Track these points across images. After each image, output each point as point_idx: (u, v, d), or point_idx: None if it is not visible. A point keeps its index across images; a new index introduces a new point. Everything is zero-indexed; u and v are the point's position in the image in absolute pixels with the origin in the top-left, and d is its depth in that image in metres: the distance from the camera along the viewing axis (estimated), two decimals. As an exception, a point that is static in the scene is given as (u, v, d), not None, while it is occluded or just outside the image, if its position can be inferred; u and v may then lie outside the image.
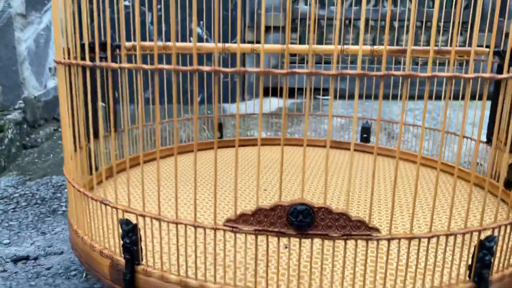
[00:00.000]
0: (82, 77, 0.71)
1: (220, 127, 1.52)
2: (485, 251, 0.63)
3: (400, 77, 0.57)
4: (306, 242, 0.79)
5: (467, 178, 1.21)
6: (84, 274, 0.98)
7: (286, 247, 0.78)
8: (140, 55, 0.62)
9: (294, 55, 2.23)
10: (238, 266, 0.71)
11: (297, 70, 0.57)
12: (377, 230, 0.58)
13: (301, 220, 0.57)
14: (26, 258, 1.05)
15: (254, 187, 1.11)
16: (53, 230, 1.21)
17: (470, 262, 0.65)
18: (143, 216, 0.65)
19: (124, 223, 0.66)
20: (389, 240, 0.59)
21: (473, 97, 2.35)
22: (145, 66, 0.60)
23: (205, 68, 0.58)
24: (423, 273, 0.62)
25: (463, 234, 0.61)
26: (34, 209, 1.35)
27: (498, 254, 0.68)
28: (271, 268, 0.70)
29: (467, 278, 0.65)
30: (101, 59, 1.06)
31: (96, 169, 1.11)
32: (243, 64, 2.20)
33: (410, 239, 0.59)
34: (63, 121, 0.86)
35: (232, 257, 0.71)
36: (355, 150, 1.51)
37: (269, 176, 1.21)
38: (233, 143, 1.54)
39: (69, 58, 0.75)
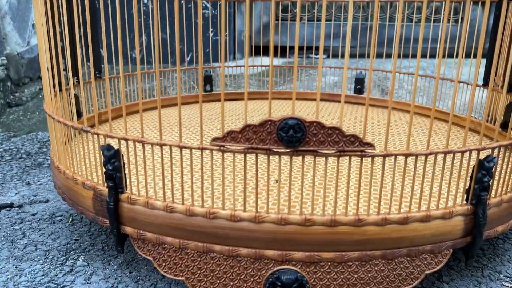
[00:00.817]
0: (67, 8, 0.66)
1: (210, 79, 1.47)
2: (484, 171, 0.60)
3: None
4: (297, 161, 0.76)
5: (462, 124, 1.18)
6: (70, 219, 0.95)
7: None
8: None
9: (286, 11, 2.16)
10: (226, 188, 0.68)
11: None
12: (371, 146, 0.55)
13: (292, 135, 0.53)
14: (10, 205, 1.02)
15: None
16: (38, 181, 1.18)
17: (468, 186, 0.63)
18: (126, 140, 0.61)
19: (106, 148, 0.62)
20: (384, 156, 0.56)
21: (468, 55, 2.31)
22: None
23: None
24: (420, 195, 0.59)
25: (462, 152, 0.59)
26: (19, 162, 1.31)
27: (496, 178, 0.65)
28: (260, 188, 0.67)
29: (465, 202, 0.63)
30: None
31: (80, 115, 1.07)
32: (234, 21, 2.13)
33: (406, 155, 0.56)
34: (41, 56, 0.82)
35: (220, 179, 0.68)
36: (349, 102, 1.47)
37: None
38: (224, 96, 1.49)
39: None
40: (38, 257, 0.80)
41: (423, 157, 0.59)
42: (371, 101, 1.43)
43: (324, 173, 0.56)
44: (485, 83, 1.15)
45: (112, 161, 0.62)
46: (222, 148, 0.56)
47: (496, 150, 0.61)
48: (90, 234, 0.89)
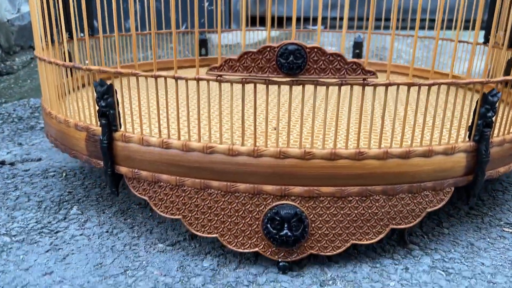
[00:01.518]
0: None
1: (205, 43, 1.44)
2: (487, 106, 0.59)
3: None
4: (298, 94, 0.74)
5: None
6: (64, 174, 0.93)
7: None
8: None
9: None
10: (224, 124, 0.66)
11: None
12: (373, 74, 0.53)
13: (292, 61, 0.52)
14: (2, 162, 1.00)
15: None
16: (30, 142, 1.15)
17: (471, 122, 0.61)
18: (119, 74, 0.59)
19: (99, 84, 0.60)
20: (387, 86, 0.54)
21: (466, 28, 2.29)
22: None
23: None
24: (422, 129, 0.58)
25: (466, 84, 0.57)
26: (11, 126, 1.29)
27: (500, 116, 0.64)
28: (260, 122, 0.65)
29: (467, 139, 0.61)
30: None
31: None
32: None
33: (409, 85, 0.55)
34: (31, 5, 0.79)
35: (217, 113, 0.66)
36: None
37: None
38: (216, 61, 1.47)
39: None
40: (31, 207, 0.78)
41: (426, 88, 0.57)
42: (370, 66, 1.41)
43: (324, 105, 0.54)
44: (486, 41, 1.13)
45: (105, 97, 0.60)
46: (219, 78, 0.54)
47: (500, 85, 0.60)
48: (84, 187, 0.87)
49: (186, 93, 0.56)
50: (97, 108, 0.62)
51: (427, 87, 0.56)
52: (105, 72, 0.60)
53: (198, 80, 0.55)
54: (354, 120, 0.68)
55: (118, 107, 0.62)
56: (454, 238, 0.69)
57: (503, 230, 0.72)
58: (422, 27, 2.20)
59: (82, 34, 1.13)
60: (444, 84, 0.56)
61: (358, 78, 0.53)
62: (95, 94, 0.61)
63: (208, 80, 0.55)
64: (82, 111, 0.67)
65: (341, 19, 2.21)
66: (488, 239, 0.69)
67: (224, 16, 2.13)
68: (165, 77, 0.56)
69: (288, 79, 0.53)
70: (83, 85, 0.97)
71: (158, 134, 0.60)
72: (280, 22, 2.21)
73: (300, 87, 0.56)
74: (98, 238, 0.68)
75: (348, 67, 0.52)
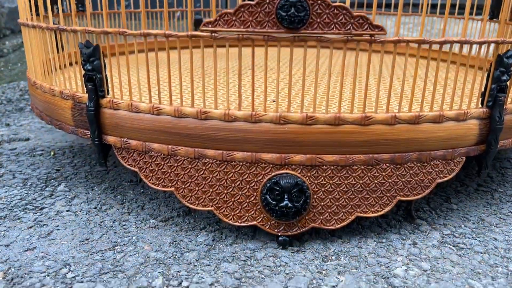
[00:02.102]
0: None
1: (200, 23, 1.39)
2: (502, 69, 0.55)
3: None
4: (299, 53, 0.70)
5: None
6: (52, 153, 0.89)
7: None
8: None
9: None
10: (219, 89, 0.61)
11: None
12: (382, 29, 0.49)
13: (294, 13, 0.47)
14: (-13, 142, 0.95)
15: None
16: (19, 123, 1.11)
17: (484, 88, 0.57)
18: (106, 33, 0.54)
19: (84, 46, 0.56)
20: (395, 42, 0.50)
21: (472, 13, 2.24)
22: None
23: None
24: (433, 93, 0.53)
25: (480, 44, 0.53)
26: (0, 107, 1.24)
27: (514, 82, 0.60)
28: (257, 81, 0.61)
29: (480, 106, 0.57)
30: None
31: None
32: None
33: (420, 42, 0.50)
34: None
35: (211, 73, 0.62)
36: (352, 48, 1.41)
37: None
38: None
39: None
40: (16, 184, 0.74)
41: (437, 47, 0.53)
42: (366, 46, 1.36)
43: (328, 65, 0.50)
44: (492, 16, 1.09)
45: (92, 59, 0.56)
46: (213, 34, 0.50)
47: (516, 46, 0.56)
48: (73, 165, 0.83)
49: (178, 54, 0.52)
50: (83, 72, 0.58)
51: (438, 45, 0.51)
52: (91, 32, 0.56)
53: (191, 37, 0.51)
54: (361, 82, 0.64)
55: (105, 71, 0.57)
56: (463, 214, 0.66)
57: (515, 206, 0.68)
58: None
59: (81, 7, 1.08)
60: (457, 42, 0.52)
61: (365, 33, 0.49)
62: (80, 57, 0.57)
63: (201, 37, 0.51)
64: (68, 79, 0.63)
65: None
66: (500, 215, 0.65)
67: (221, 1, 2.08)
68: (155, 35, 0.52)
69: (289, 34, 0.49)
70: (70, 64, 0.92)
71: (148, 100, 0.56)
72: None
73: (303, 45, 0.52)
74: (86, 214, 0.64)
75: (354, 21, 0.48)
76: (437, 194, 0.71)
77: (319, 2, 0.47)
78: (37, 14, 0.80)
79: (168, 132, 0.55)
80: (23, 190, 0.72)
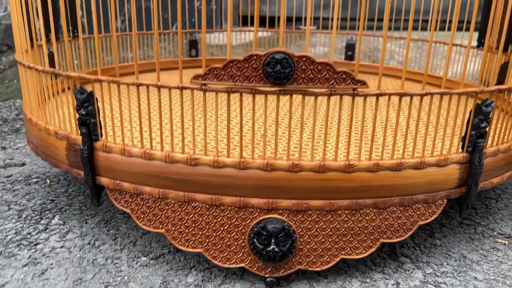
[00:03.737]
0: None
1: (195, 44, 1.42)
2: (481, 116, 0.57)
3: None
4: (285, 103, 0.72)
5: (456, 88, 1.15)
6: (48, 181, 0.90)
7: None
8: None
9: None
10: (208, 134, 0.63)
11: None
12: (364, 83, 0.51)
13: (279, 70, 0.49)
14: (-16, 168, 0.97)
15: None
16: (14, 146, 1.12)
17: (464, 133, 0.59)
18: (100, 81, 0.56)
19: (79, 92, 0.58)
20: (377, 96, 0.52)
21: (459, 29, 2.28)
22: None
23: None
24: (414, 141, 0.56)
25: (459, 94, 0.55)
26: (-5, 128, 1.26)
27: (493, 126, 0.62)
28: (246, 132, 0.63)
29: (460, 150, 0.60)
30: None
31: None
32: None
33: (401, 95, 0.53)
34: (11, 8, 0.76)
35: (202, 122, 0.64)
36: (338, 69, 1.43)
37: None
38: (209, 62, 1.44)
39: None
40: (11, 216, 0.75)
41: (418, 99, 0.55)
42: (363, 68, 1.39)
43: (313, 115, 0.52)
44: (479, 44, 1.11)
45: (86, 105, 0.58)
46: (203, 87, 0.52)
47: (495, 95, 0.58)
48: (68, 195, 0.84)
49: (169, 102, 0.54)
50: (77, 116, 0.59)
51: (419, 96, 0.54)
52: (86, 79, 0.58)
53: (181, 89, 0.53)
54: (344, 130, 0.66)
55: (99, 116, 0.59)
56: (446, 250, 0.68)
57: (496, 241, 0.70)
58: (415, 28, 2.19)
59: (76, 32, 1.10)
60: (437, 94, 0.54)
61: (348, 88, 0.51)
62: (75, 102, 0.59)
63: (192, 89, 0.53)
64: (62, 119, 0.65)
65: (333, 19, 2.19)
66: (481, 251, 0.68)
67: (216, 16, 2.10)
68: (147, 86, 0.54)
69: (275, 88, 0.51)
70: (63, 90, 0.95)
71: (140, 145, 0.58)
72: (272, 22, 2.18)
73: (288, 96, 0.54)
74: (80, 250, 0.66)
75: (337, 76, 0.50)
76: (421, 228, 0.74)
77: (304, 59, 0.49)
78: (32, 46, 0.82)
79: (159, 177, 0.57)
80: (18, 223, 0.73)
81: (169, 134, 0.63)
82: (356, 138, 0.67)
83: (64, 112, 0.65)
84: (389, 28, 2.09)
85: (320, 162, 0.54)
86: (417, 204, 0.58)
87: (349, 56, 1.42)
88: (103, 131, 0.60)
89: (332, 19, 2.24)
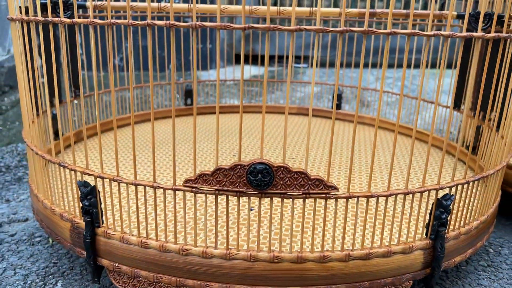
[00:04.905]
0: (43, 35, 0.67)
1: (190, 94, 1.49)
2: (441, 209, 0.64)
3: (361, 34, 0.56)
4: (266, 200, 0.80)
5: (436, 144, 1.23)
6: (51, 241, 0.97)
7: (251, 210, 0.78)
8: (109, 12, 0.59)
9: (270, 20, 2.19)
10: (199, 227, 0.70)
11: (279, 26, 0.55)
12: (335, 188, 0.58)
13: (260, 179, 0.56)
14: (-10, 225, 1.03)
15: (216, 153, 1.11)
16: (18, 198, 1.19)
17: (427, 220, 0.66)
18: (102, 178, 0.63)
19: (83, 185, 0.65)
20: (347, 198, 0.59)
21: (449, 66, 2.37)
22: (118, 21, 0.57)
23: (183, 24, 0.56)
24: (381, 231, 0.63)
25: (421, 192, 0.62)
26: (-1, 177, 1.32)
27: (455, 212, 0.69)
28: (232, 227, 0.70)
29: (424, 236, 0.67)
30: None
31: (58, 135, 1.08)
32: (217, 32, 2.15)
33: (368, 197, 0.60)
34: (20, 84, 0.83)
35: (192, 217, 0.71)
36: (326, 117, 1.51)
37: (234, 141, 1.20)
38: (204, 110, 1.52)
39: (27, 15, 0.71)
40: (17, 282, 0.82)
41: (384, 198, 0.63)
42: (349, 117, 1.47)
43: (291, 214, 0.59)
44: (456, 106, 1.19)
45: (89, 197, 0.65)
46: (194, 189, 0.59)
47: (454, 189, 0.65)
48: (69, 257, 0.91)
49: (164, 198, 0.61)
50: (81, 205, 0.66)
51: (384, 197, 0.61)
52: (89, 174, 0.64)
53: (174, 190, 0.60)
54: (319, 225, 0.73)
55: (101, 206, 0.66)
56: (416, 319, 0.74)
57: (463, 309, 0.77)
58: (408, 65, 2.27)
59: (77, 92, 1.17)
60: (400, 194, 0.61)
61: (321, 193, 0.58)
62: (79, 193, 0.66)
63: (184, 191, 0.60)
64: (67, 202, 0.71)
65: (323, 56, 2.28)
66: (448, 320, 0.74)
67: (211, 55, 2.18)
68: (145, 186, 0.61)
69: (257, 192, 0.58)
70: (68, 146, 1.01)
71: (137, 234, 0.65)
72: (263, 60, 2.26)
73: (269, 198, 0.61)
74: (81, 321, 0.72)
75: (311, 183, 0.57)
76: (395, 294, 0.80)
77: (282, 168, 0.56)
78: (38, 114, 0.89)
79: (153, 263, 0.63)
80: (24, 290, 0.79)
81: (163, 227, 0.69)
82: (331, 230, 0.74)
83: (68, 194, 0.71)
84: (375, 65, 2.19)
85: (297, 254, 0.61)
86: (385, 287, 0.65)
87: (337, 106, 1.50)
88: (104, 218, 0.67)
89: (323, 56, 2.32)
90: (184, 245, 0.62)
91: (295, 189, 0.57)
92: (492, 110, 1.02)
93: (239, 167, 0.57)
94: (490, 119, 1.00)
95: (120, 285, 0.66)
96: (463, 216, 0.71)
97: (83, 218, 0.66)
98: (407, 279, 0.66)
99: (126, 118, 1.33)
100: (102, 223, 0.67)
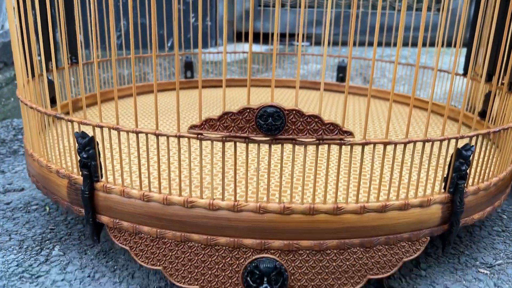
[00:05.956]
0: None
1: (190, 65, 1.45)
2: (461, 160, 0.61)
3: None
4: (277, 149, 0.76)
5: (442, 113, 1.19)
6: (47, 208, 0.93)
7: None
8: None
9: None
10: (204, 176, 0.67)
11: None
12: (351, 134, 0.54)
13: (271, 123, 0.53)
14: (-17, 194, 0.99)
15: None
16: (13, 169, 1.15)
17: (446, 174, 0.63)
18: (100, 127, 0.59)
19: (80, 136, 0.61)
20: (363, 145, 0.55)
21: (450, 45, 2.33)
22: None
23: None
24: (398, 183, 0.59)
25: (441, 141, 0.59)
26: (-7, 150, 1.28)
27: (474, 166, 0.66)
28: (239, 176, 0.66)
29: (443, 190, 0.63)
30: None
31: (55, 102, 1.04)
32: (215, 6, 2.10)
33: (385, 144, 0.56)
34: (13, 42, 0.79)
35: (198, 168, 0.67)
36: (331, 90, 1.47)
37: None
38: (204, 83, 1.47)
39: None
40: (12, 247, 0.78)
41: (402, 146, 0.59)
42: (353, 90, 1.43)
43: (303, 162, 0.55)
44: (466, 72, 1.15)
45: (87, 148, 0.61)
46: (199, 136, 0.55)
47: (474, 139, 0.62)
48: (67, 224, 0.87)
49: (167, 148, 0.57)
50: (78, 158, 0.62)
51: (402, 144, 0.57)
52: (87, 124, 0.60)
53: (179, 137, 0.56)
54: (333, 174, 0.70)
55: (99, 158, 0.62)
56: (431, 281, 0.71)
57: (479, 271, 0.74)
58: (406, 44, 2.23)
59: (74, 59, 1.13)
60: (419, 141, 0.57)
61: (335, 138, 0.54)
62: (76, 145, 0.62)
63: (189, 138, 0.56)
64: (64, 158, 0.67)
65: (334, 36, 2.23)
66: (464, 282, 0.71)
67: (211, 32, 2.13)
68: (146, 133, 0.57)
69: (267, 138, 0.54)
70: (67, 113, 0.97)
71: (139, 187, 0.61)
72: (266, 37, 2.22)
73: (279, 145, 0.57)
74: (80, 283, 0.68)
75: (325, 128, 0.53)
76: (408, 258, 0.77)
77: (294, 112, 0.53)
78: (33, 76, 0.84)
79: (156, 218, 0.60)
80: (20, 254, 0.76)
81: (167, 177, 0.65)
82: (345, 180, 0.70)
83: (65, 149, 0.67)
84: (380, 44, 2.13)
85: (309, 205, 0.57)
86: (402, 242, 0.61)
87: (341, 78, 1.46)
88: (103, 172, 0.63)
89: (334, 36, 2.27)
90: (189, 197, 0.58)
91: (308, 135, 0.54)
92: (505, 72, 0.98)
93: (248, 110, 0.53)
94: (502, 83, 0.96)
95: (121, 243, 0.63)
96: (483, 171, 0.67)
97: (81, 172, 0.62)
98: (425, 235, 0.62)
99: (125, 89, 1.28)
100: (101, 177, 0.63)
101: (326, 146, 0.55)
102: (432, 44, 2.32)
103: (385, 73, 1.95)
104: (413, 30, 2.21)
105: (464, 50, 1.22)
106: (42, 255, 0.76)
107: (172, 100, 1.27)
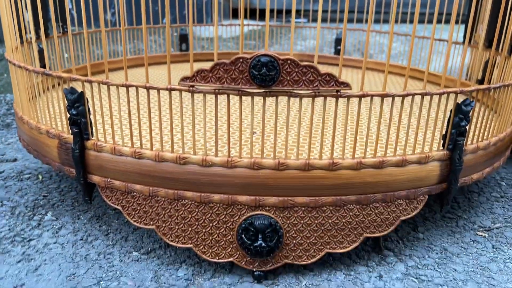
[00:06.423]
0: None
1: (186, 38, 1.42)
2: (461, 115, 0.59)
3: None
4: (271, 104, 0.74)
5: (439, 82, 1.17)
6: (40, 177, 0.91)
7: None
8: None
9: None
10: (197, 132, 0.65)
11: None
12: (347, 85, 0.52)
13: (265, 73, 0.51)
14: (-25, 164, 0.98)
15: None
16: (6, 141, 1.13)
17: (444, 132, 0.61)
18: (90, 82, 0.58)
19: (69, 92, 0.59)
20: (360, 97, 0.54)
21: (447, 22, 2.30)
22: None
23: None
24: (396, 139, 0.58)
25: (440, 94, 0.57)
26: (-14, 123, 1.26)
27: (473, 124, 0.64)
28: (233, 130, 0.65)
29: (441, 147, 0.62)
30: None
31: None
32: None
33: (383, 96, 0.54)
34: (1, 7, 0.76)
35: (190, 123, 0.65)
36: (328, 63, 1.45)
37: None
38: (200, 56, 1.45)
39: None
40: (4, 213, 0.77)
41: (400, 99, 0.57)
42: (351, 62, 1.40)
43: (298, 116, 0.54)
44: (465, 40, 1.13)
45: (76, 105, 0.59)
46: (191, 88, 0.54)
47: (473, 94, 0.60)
48: (60, 191, 0.86)
49: (158, 103, 0.55)
50: (68, 116, 0.61)
51: (401, 97, 0.55)
52: (76, 79, 0.59)
53: (170, 90, 0.54)
54: (329, 130, 0.68)
55: (89, 116, 0.60)
56: (428, 243, 0.70)
57: (477, 234, 0.73)
58: (404, 20, 2.20)
59: (65, 28, 1.10)
60: (418, 94, 0.56)
61: (332, 90, 0.52)
62: (66, 102, 0.60)
63: (180, 90, 0.54)
64: (54, 118, 0.66)
65: (324, 11, 2.20)
66: (462, 244, 0.70)
67: (206, 8, 2.10)
68: (137, 87, 0.55)
69: (261, 90, 0.53)
70: (54, 86, 0.95)
71: (130, 144, 0.59)
72: (263, 14, 2.18)
73: (274, 97, 0.55)
74: (72, 246, 0.67)
75: (321, 78, 0.52)
76: (405, 222, 0.76)
77: (288, 62, 0.51)
78: (22, 43, 0.82)
79: (149, 175, 0.58)
80: (12, 219, 0.74)
81: (158, 132, 0.64)
82: (341, 137, 0.68)
83: (55, 109, 0.66)
84: (378, 21, 2.10)
85: (305, 161, 0.55)
86: (399, 200, 0.60)
87: (338, 51, 1.43)
88: (94, 130, 0.61)
89: (324, 11, 2.24)
90: (182, 154, 0.57)
91: (303, 86, 0.52)
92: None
93: (241, 60, 0.51)
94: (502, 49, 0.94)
95: (113, 203, 0.62)
96: (482, 129, 0.66)
97: (70, 130, 0.61)
98: (422, 193, 0.61)
99: (118, 61, 1.26)
100: (92, 135, 0.61)
101: (322, 100, 0.54)
102: (430, 21, 2.30)
103: (383, 49, 1.92)
104: (410, 7, 2.18)
105: (463, 27, 1.19)
106: (35, 220, 0.75)
107: (166, 73, 1.25)
